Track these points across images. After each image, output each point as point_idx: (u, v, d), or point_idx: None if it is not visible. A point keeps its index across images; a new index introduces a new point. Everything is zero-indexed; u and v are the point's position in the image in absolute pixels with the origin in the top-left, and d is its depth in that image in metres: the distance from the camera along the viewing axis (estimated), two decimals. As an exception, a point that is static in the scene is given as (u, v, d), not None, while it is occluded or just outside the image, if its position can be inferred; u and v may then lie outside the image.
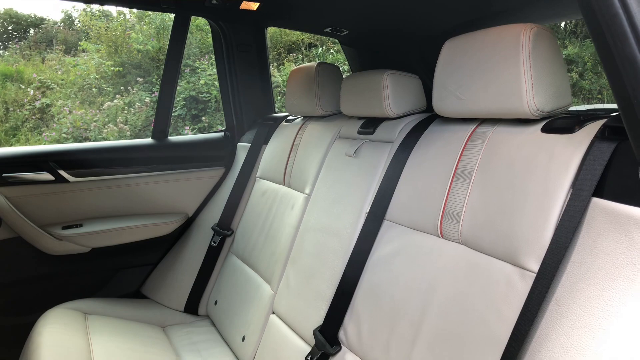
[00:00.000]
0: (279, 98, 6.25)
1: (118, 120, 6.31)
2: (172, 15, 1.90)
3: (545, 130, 0.89)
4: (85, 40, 7.66)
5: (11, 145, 6.51)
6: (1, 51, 8.65)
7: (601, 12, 0.60)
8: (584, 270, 0.72)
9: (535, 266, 0.79)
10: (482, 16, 1.56)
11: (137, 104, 6.56)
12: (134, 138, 6.27)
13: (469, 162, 1.00)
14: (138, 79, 6.91)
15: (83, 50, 7.44)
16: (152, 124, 2.00)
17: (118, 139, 6.07)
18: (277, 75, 6.60)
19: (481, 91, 0.96)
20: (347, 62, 2.25)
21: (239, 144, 2.11)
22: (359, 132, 1.42)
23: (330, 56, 6.88)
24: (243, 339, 1.51)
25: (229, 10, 1.80)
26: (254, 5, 1.71)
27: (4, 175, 1.63)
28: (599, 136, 0.80)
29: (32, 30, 8.89)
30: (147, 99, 6.60)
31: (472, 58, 0.98)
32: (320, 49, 7.07)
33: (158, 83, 6.65)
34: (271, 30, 6.90)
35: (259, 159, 1.93)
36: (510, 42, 0.90)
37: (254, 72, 2.14)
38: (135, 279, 1.94)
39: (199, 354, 1.55)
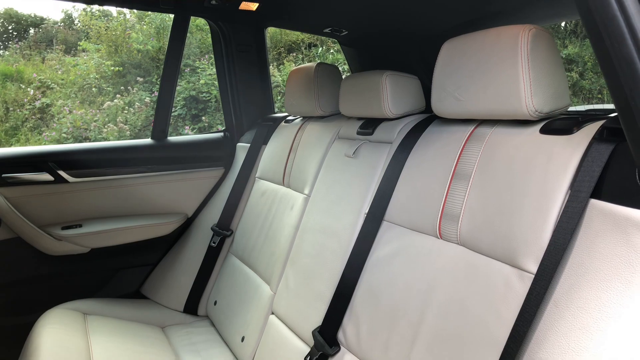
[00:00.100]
0: (279, 98, 6.25)
1: (118, 120, 6.31)
2: (172, 16, 1.90)
3: (543, 131, 0.89)
4: (85, 40, 7.66)
5: (11, 145, 6.51)
6: (1, 51, 8.65)
7: (599, 14, 0.60)
8: (582, 271, 0.72)
9: (533, 267, 0.79)
10: (482, 16, 1.56)
11: (137, 103, 6.56)
12: (134, 138, 6.27)
13: (467, 163, 1.00)
14: (138, 78, 6.91)
15: (83, 50, 7.44)
16: (152, 124, 2.00)
17: (118, 139, 6.08)
18: (277, 75, 6.60)
19: (480, 92, 0.96)
20: (347, 62, 2.25)
21: (239, 144, 2.11)
22: (358, 133, 1.42)
23: (331, 56, 6.88)
24: (242, 339, 1.51)
25: (229, 11, 1.80)
26: (254, 6, 1.71)
27: (3, 175, 1.63)
28: (597, 137, 0.80)
29: (32, 30, 8.89)
30: (147, 99, 6.61)
31: (470, 59, 0.98)
32: (320, 49, 7.07)
33: (158, 83, 6.64)
34: (271, 30, 6.90)
35: (259, 159, 1.93)
36: (508, 43, 0.90)
37: (254, 72, 2.14)
38: (135, 279, 1.94)
39: (198, 354, 1.55)
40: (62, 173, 1.72)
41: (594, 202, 0.74)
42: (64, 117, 6.46)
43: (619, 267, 0.67)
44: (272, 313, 1.45)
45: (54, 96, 6.91)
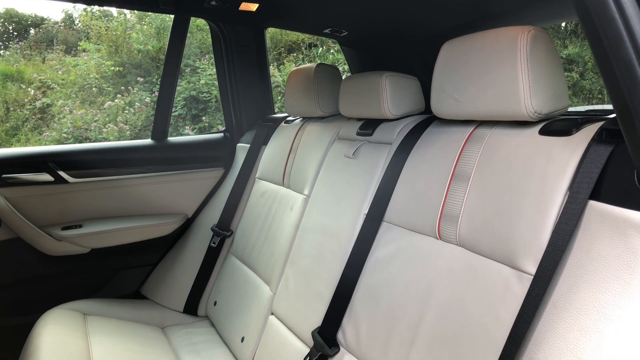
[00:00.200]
0: (279, 98, 6.25)
1: (118, 120, 6.32)
2: (172, 16, 1.90)
3: (542, 132, 0.89)
4: (86, 40, 7.67)
5: (12, 145, 6.52)
6: (2, 51, 8.66)
7: (597, 16, 0.60)
8: (580, 273, 0.72)
9: (532, 268, 0.79)
10: (482, 17, 1.56)
11: (137, 103, 6.57)
12: (134, 138, 6.28)
13: (467, 164, 1.00)
14: (138, 78, 6.91)
15: (83, 50, 7.45)
16: (152, 125, 2.00)
17: (118, 139, 6.09)
18: (278, 75, 6.61)
19: (479, 93, 0.96)
20: (347, 63, 2.25)
21: (239, 144, 2.11)
22: (358, 134, 1.42)
23: (331, 56, 6.88)
24: (242, 339, 1.51)
25: (228, 12, 1.80)
26: (253, 7, 1.71)
27: (3, 176, 1.63)
28: (596, 139, 0.80)
29: (32, 30, 8.90)
30: (148, 99, 6.61)
31: (470, 60, 0.98)
32: (320, 49, 7.08)
33: (158, 83, 6.65)
34: (271, 30, 6.90)
35: (259, 159, 1.93)
36: (508, 44, 0.90)
37: (254, 72, 2.14)
38: (135, 280, 1.94)
39: (198, 354, 1.55)
40: (62, 173, 1.72)
41: (593, 204, 0.74)
42: (64, 117, 6.47)
43: (618, 268, 0.67)
44: (272, 313, 1.45)
45: (55, 96, 6.92)
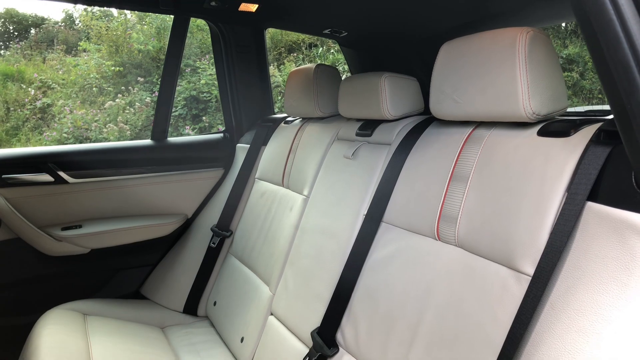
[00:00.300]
0: (279, 98, 6.25)
1: (118, 119, 6.32)
2: (172, 16, 1.91)
3: (541, 133, 0.89)
4: (86, 40, 7.67)
5: (12, 145, 6.52)
6: (2, 51, 8.66)
7: (595, 18, 0.60)
8: (578, 274, 0.72)
9: (530, 269, 0.79)
10: (481, 18, 1.56)
11: (137, 103, 6.57)
12: (135, 137, 6.28)
13: (465, 164, 1.00)
14: (139, 78, 6.92)
15: (84, 50, 7.45)
16: (152, 125, 2.00)
17: (118, 139, 6.09)
18: (278, 75, 6.61)
19: (478, 94, 0.96)
20: (346, 63, 2.25)
21: (238, 145, 2.11)
22: (357, 134, 1.42)
23: (331, 56, 6.88)
24: (242, 340, 1.51)
25: (228, 12, 1.81)
26: (253, 7, 1.71)
27: (3, 176, 1.64)
28: (594, 140, 0.80)
29: (33, 30, 8.90)
30: (148, 99, 6.62)
31: (468, 61, 0.98)
32: (320, 49, 7.08)
33: (159, 83, 6.66)
34: (271, 30, 6.90)
35: (258, 160, 1.93)
36: (506, 45, 0.90)
37: (253, 73, 2.14)
38: (135, 280, 1.95)
39: (197, 354, 1.56)
40: (62, 174, 1.72)
41: (591, 205, 0.75)
42: (64, 117, 6.47)
43: (615, 269, 0.67)
44: (271, 314, 1.45)
45: (55, 96, 6.93)
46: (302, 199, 1.52)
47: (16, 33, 8.99)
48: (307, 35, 6.97)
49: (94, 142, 6.10)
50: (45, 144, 6.28)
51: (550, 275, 0.74)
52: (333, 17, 1.74)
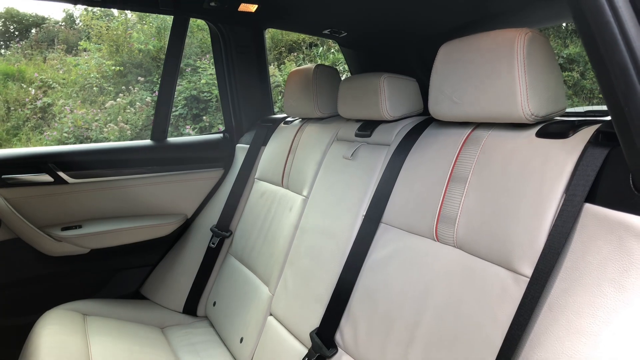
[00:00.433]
0: (279, 98, 6.25)
1: (119, 119, 6.33)
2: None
3: (539, 134, 0.89)
4: (86, 39, 7.67)
5: (13, 144, 6.53)
6: (3, 50, 8.67)
7: (592, 19, 0.60)
8: (576, 275, 0.72)
9: (528, 271, 0.79)
10: (481, 18, 1.56)
11: (138, 103, 6.57)
12: (135, 137, 6.29)
13: (464, 165, 1.00)
14: (139, 78, 6.92)
15: (84, 50, 7.46)
16: (152, 125, 2.00)
17: (119, 138, 6.09)
18: (278, 75, 6.61)
19: (476, 95, 0.96)
20: (346, 63, 2.25)
21: (238, 145, 2.11)
22: (356, 135, 1.42)
23: (331, 56, 6.88)
24: (241, 340, 1.51)
25: (228, 12, 1.81)
26: (253, 7, 1.71)
27: (3, 176, 1.64)
28: (593, 141, 0.80)
29: (33, 30, 8.91)
30: (148, 99, 6.62)
31: (467, 62, 0.98)
32: (321, 49, 7.07)
33: (159, 82, 6.66)
34: (272, 30, 6.90)
35: (258, 160, 1.93)
36: (505, 46, 0.90)
37: (253, 73, 2.14)
38: (134, 280, 1.95)
39: (197, 354, 1.56)
40: (61, 174, 1.72)
41: (589, 207, 0.75)
42: (65, 116, 6.48)
43: (613, 271, 0.67)
44: (271, 314, 1.46)
45: (55, 96, 6.93)
46: (302, 199, 1.52)
47: (17, 33, 8.99)
48: (307, 35, 6.97)
49: (95, 141, 6.11)
50: (46, 144, 6.29)
51: (548, 277, 0.74)
52: (333, 17, 1.74)
